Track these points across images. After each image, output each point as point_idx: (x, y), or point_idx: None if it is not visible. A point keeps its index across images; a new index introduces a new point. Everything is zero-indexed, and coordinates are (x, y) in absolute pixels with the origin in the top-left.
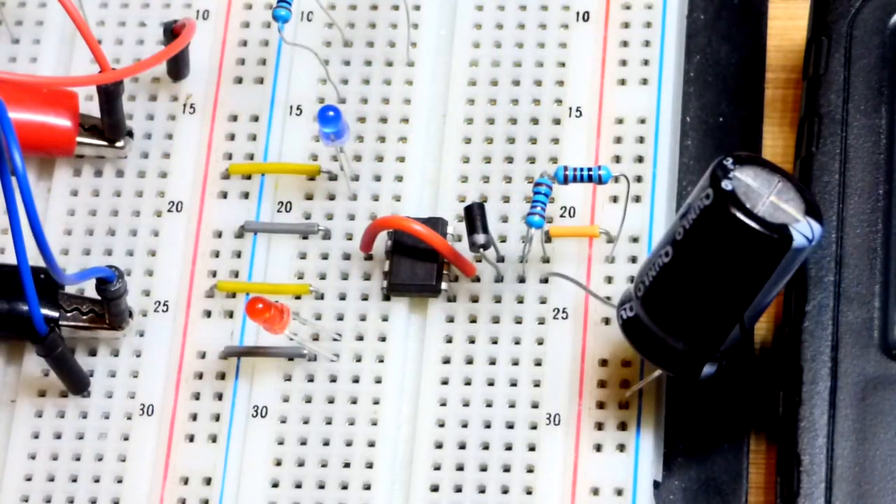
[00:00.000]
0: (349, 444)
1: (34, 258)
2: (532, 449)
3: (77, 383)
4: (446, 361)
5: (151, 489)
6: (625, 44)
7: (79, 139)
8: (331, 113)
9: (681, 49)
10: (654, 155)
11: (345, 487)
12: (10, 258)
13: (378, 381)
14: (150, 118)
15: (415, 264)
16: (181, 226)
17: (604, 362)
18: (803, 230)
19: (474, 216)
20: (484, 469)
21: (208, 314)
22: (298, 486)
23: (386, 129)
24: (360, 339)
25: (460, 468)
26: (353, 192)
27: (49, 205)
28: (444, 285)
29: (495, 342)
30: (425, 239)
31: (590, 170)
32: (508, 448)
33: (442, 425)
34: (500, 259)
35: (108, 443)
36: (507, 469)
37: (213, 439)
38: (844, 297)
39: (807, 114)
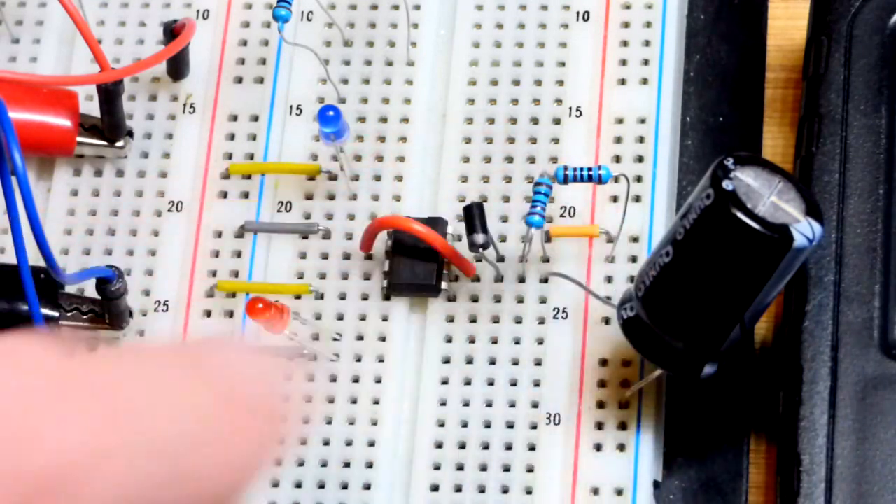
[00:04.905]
0: (349, 443)
1: (34, 258)
2: (532, 449)
3: None
4: (446, 361)
5: None
6: (625, 44)
7: (79, 139)
8: (331, 113)
9: (681, 49)
10: (654, 155)
11: (345, 487)
12: (10, 258)
13: (378, 381)
14: (150, 118)
15: (415, 264)
16: (181, 226)
17: (604, 362)
18: (804, 230)
19: (474, 216)
20: (484, 469)
21: (208, 314)
22: (298, 486)
23: (386, 128)
24: (360, 338)
25: (460, 468)
26: (353, 191)
27: (49, 205)
28: (444, 285)
29: (495, 342)
30: (425, 239)
31: (590, 170)
32: (508, 448)
33: (442, 425)
34: (500, 259)
35: None
36: (507, 469)
37: None
38: (844, 297)
39: (807, 114)
